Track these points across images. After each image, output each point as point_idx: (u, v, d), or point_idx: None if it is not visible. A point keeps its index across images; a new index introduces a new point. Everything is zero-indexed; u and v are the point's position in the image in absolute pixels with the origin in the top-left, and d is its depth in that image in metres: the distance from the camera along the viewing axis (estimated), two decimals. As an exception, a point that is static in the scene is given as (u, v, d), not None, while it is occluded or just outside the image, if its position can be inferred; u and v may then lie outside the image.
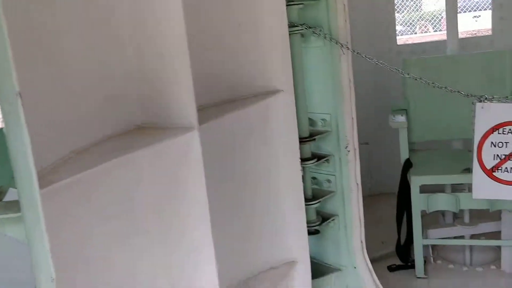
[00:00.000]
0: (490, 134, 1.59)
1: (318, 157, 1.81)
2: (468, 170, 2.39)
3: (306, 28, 1.68)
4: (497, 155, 1.62)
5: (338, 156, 1.82)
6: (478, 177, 1.67)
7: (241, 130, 1.52)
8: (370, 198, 3.79)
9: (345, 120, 1.75)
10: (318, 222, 1.83)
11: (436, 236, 2.71)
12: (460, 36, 3.51)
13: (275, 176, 1.60)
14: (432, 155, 2.75)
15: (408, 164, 2.59)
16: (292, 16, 1.68)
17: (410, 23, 9.43)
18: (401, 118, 2.59)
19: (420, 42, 3.55)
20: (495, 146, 1.60)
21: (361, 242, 1.89)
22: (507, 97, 1.55)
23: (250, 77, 1.58)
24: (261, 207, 1.59)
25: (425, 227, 2.77)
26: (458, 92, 1.70)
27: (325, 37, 1.66)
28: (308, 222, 1.78)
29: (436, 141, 2.94)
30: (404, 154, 2.59)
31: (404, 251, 2.68)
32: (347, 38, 1.71)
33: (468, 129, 2.72)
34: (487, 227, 2.68)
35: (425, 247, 2.68)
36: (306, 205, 1.77)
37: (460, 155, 2.67)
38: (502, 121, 1.54)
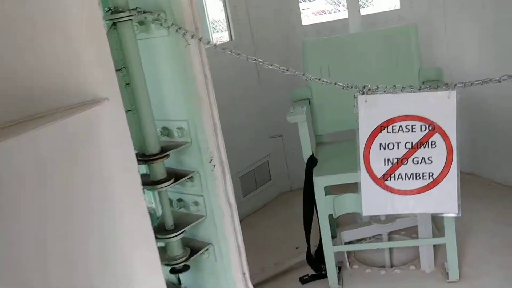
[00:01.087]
0: (378, 133, 1.27)
1: (178, 175, 1.44)
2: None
3: (138, 13, 1.28)
4: (388, 160, 1.30)
5: (203, 173, 1.45)
6: (367, 189, 1.35)
7: (53, 155, 1.12)
8: (289, 193, 3.51)
9: (204, 128, 1.38)
10: (185, 257, 1.46)
11: (351, 237, 2.42)
12: (368, 12, 3.23)
13: (109, 211, 1.21)
14: (341, 149, 2.45)
15: (312, 162, 2.27)
16: (119, -2, 1.28)
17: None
18: (300, 111, 2.26)
19: (328, 21, 3.22)
20: (384, 148, 1.28)
21: (243, 274, 1.54)
22: (394, 86, 1.23)
23: (62, 85, 1.17)
24: (93, 256, 1.19)
25: (339, 228, 2.49)
26: (336, 84, 1.37)
27: (161, 24, 1.27)
28: (170, 258, 1.41)
29: (344, 132, 2.65)
30: (307, 151, 2.27)
31: (316, 259, 2.38)
32: (197, 23, 1.33)
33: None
34: (405, 222, 2.43)
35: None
36: (165, 238, 1.39)
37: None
38: (392, 116, 1.23)
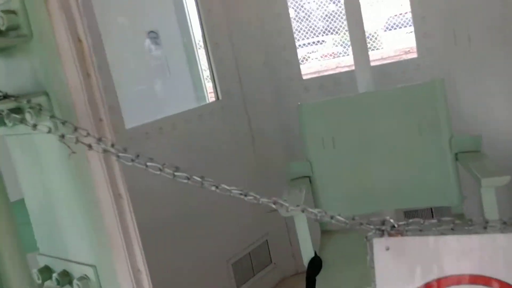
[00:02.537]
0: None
1: None
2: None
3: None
4: None
5: None
6: None
7: None
8: (295, 277, 2.93)
9: (119, 281, 0.85)
10: None
11: None
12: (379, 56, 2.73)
13: None
14: (353, 241, 1.89)
15: (314, 267, 1.71)
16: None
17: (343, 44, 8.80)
18: (296, 198, 1.72)
19: (332, 73, 2.72)
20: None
21: None
22: (438, 220, 0.67)
23: None
24: None
25: None
26: (332, 218, 0.84)
27: (35, 116, 0.76)
28: None
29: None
30: (307, 252, 1.72)
31: None
32: (100, 114, 0.81)
33: (400, 196, 1.89)
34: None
35: None
36: None
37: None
38: (434, 278, 0.67)
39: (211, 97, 3.20)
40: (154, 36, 3.56)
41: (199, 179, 0.81)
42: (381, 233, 0.70)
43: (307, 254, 1.71)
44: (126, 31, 3.29)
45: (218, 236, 2.43)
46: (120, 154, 0.74)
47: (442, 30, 2.44)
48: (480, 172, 1.54)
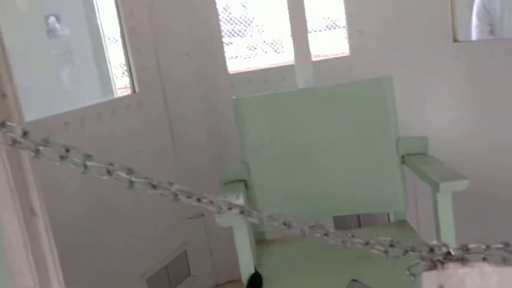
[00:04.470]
0: None
1: None
2: (358, 282, 1.39)
3: None
4: None
5: None
6: None
7: None
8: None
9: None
10: None
11: None
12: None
13: None
14: (293, 252, 1.69)
15: (255, 284, 1.49)
16: None
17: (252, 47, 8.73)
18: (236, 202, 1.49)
19: (262, 69, 2.52)
20: None
21: None
22: (506, 244, 0.48)
23: None
24: None
25: None
26: (345, 242, 0.63)
27: None
28: None
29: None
30: (247, 267, 1.49)
31: None
32: None
33: (343, 201, 1.74)
34: None
35: None
36: None
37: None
38: None
39: (122, 92, 2.86)
40: (54, 21, 3.13)
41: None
42: (433, 264, 0.49)
43: (247, 270, 1.48)
44: (25, 15, 2.85)
45: (131, 248, 2.12)
46: (40, 148, 0.46)
47: (377, 28, 2.35)
48: (437, 176, 1.42)
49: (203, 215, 2.53)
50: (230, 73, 2.48)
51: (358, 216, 2.59)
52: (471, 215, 2.30)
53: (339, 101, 1.75)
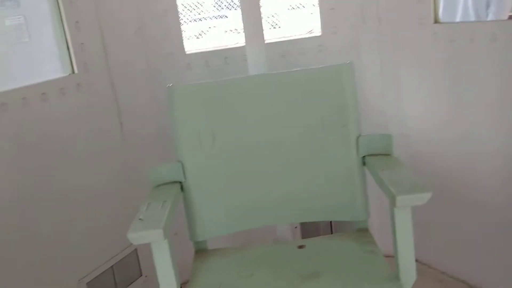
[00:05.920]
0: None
1: None
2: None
3: None
4: None
5: None
6: None
7: None
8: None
9: None
10: None
11: None
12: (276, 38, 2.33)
13: None
14: (236, 265, 1.46)
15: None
16: None
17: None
18: (155, 218, 1.24)
19: (224, 48, 2.25)
20: None
21: None
22: None
23: None
24: None
25: None
26: None
27: None
28: None
29: (239, 234, 1.69)
30: (169, 285, 1.26)
31: None
32: None
33: (296, 207, 1.50)
34: None
35: None
36: None
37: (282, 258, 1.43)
38: None
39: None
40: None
41: None
42: None
43: (168, 291, 1.25)
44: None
45: (67, 246, 1.89)
46: None
47: (349, 7, 2.09)
48: (395, 186, 1.18)
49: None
50: (187, 53, 2.21)
51: (331, 223, 2.38)
52: (445, 208, 2.09)
53: (292, 92, 1.50)
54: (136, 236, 1.16)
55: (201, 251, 1.56)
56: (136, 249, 2.26)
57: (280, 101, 1.49)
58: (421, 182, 1.19)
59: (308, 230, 2.38)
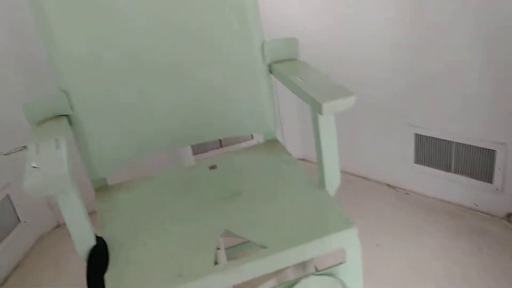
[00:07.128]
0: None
1: None
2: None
3: None
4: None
5: None
6: None
7: None
8: (55, 231, 2.21)
9: None
10: None
11: None
12: None
13: None
14: (145, 198, 1.32)
15: (99, 258, 1.11)
16: None
17: None
18: (56, 154, 1.03)
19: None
20: None
21: None
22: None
23: None
24: None
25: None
26: None
27: None
28: None
29: (139, 168, 1.53)
30: (84, 239, 1.09)
31: None
32: None
33: (200, 126, 1.39)
34: None
35: None
36: None
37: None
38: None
39: None
40: None
41: None
42: None
43: (84, 243, 1.09)
44: None
45: None
46: None
47: None
48: (317, 93, 1.12)
49: (25, 147, 2.00)
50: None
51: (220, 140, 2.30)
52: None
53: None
54: (36, 188, 0.95)
55: (101, 189, 1.38)
56: (8, 195, 1.97)
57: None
58: (341, 85, 1.15)
59: (198, 147, 2.30)
